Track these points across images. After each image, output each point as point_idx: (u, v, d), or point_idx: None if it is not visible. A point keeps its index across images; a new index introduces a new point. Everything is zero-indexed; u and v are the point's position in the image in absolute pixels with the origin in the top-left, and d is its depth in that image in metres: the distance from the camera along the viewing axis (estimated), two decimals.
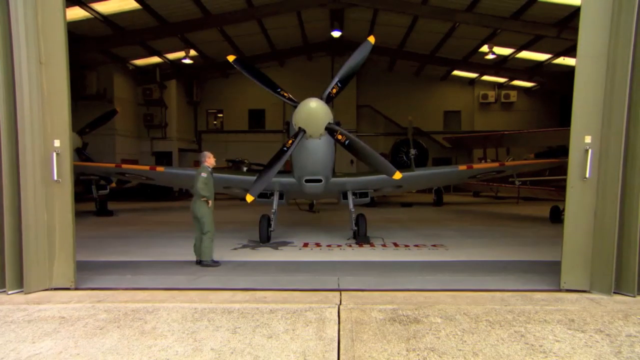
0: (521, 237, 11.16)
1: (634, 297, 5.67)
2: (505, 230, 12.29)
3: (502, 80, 29.36)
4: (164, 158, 27.10)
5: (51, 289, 6.11)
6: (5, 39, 5.86)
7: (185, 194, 23.08)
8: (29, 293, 5.92)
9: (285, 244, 10.10)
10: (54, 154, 6.07)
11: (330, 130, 8.03)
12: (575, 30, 6.62)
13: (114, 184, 17.50)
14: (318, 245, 9.95)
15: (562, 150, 14.59)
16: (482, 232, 12.06)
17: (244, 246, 9.85)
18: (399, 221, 14.59)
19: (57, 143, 6.11)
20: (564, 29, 18.55)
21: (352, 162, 25.87)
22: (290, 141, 8.09)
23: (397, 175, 8.07)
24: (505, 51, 23.33)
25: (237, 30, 21.91)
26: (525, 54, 23.41)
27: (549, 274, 6.64)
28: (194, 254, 7.91)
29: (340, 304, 5.40)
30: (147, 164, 18.94)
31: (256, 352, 4.02)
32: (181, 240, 10.12)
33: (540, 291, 6.04)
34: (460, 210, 19.22)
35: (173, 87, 27.22)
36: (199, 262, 7.79)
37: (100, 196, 16.52)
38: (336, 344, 4.17)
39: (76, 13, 16.88)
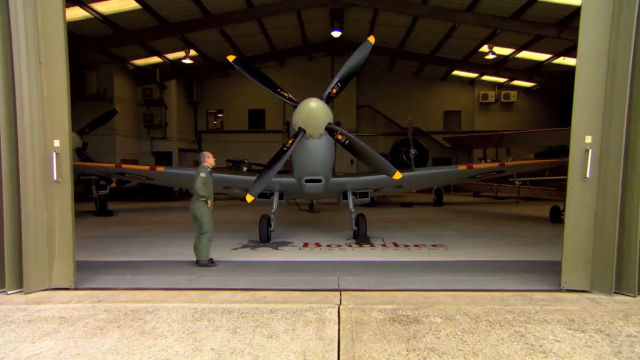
0: (521, 237, 11.16)
1: (635, 297, 5.67)
2: (505, 230, 12.29)
3: (502, 80, 29.36)
4: (164, 158, 27.10)
5: (51, 289, 6.10)
6: (5, 39, 5.85)
7: (185, 194, 23.06)
8: (29, 293, 5.92)
9: (285, 244, 10.10)
10: (54, 154, 6.06)
11: (330, 130, 8.03)
12: (575, 30, 6.62)
13: (114, 184, 17.50)
14: (318, 245, 9.94)
15: (562, 150, 14.61)
16: (482, 232, 12.06)
17: (244, 246, 9.84)
18: (399, 221, 14.59)
19: (56, 143, 6.10)
20: (564, 29, 18.56)
21: (352, 162, 25.87)
22: (290, 141, 8.08)
23: (397, 175, 8.07)
24: (505, 51, 23.34)
25: (237, 30, 21.91)
26: (525, 54, 23.42)
27: (549, 274, 6.64)
28: (193, 254, 7.90)
29: (340, 304, 5.40)
30: (147, 164, 18.93)
31: (256, 352, 4.02)
32: (181, 240, 10.11)
33: (540, 291, 6.03)
34: (460, 210, 19.22)
35: (173, 87, 27.23)
36: (198, 262, 7.80)
37: (100, 196, 16.52)
38: (336, 344, 4.17)
39: (76, 13, 16.89)
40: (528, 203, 20.56)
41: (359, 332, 4.45)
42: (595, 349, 4.09)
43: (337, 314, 5.02)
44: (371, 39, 8.31)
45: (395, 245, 9.88)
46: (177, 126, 27.82)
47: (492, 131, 23.64)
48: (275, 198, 10.60)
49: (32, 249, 5.94)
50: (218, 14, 19.54)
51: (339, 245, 9.83)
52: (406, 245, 9.79)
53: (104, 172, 14.71)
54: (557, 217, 13.52)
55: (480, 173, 13.07)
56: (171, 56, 24.41)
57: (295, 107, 8.13)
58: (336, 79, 8.22)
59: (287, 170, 10.44)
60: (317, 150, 8.55)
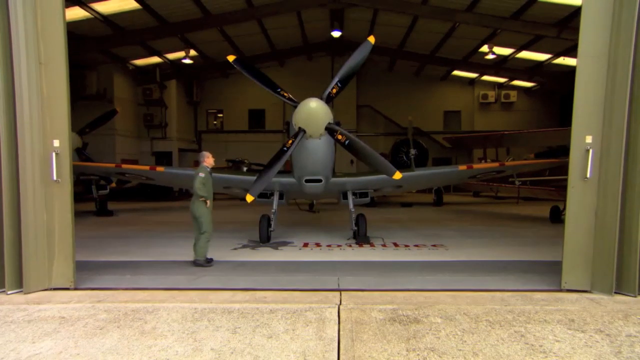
0: (521, 237, 11.16)
1: (635, 297, 5.67)
2: (505, 230, 12.28)
3: (502, 80, 29.35)
4: (164, 158, 27.09)
5: (50, 289, 6.10)
6: (5, 39, 5.85)
7: (185, 194, 23.07)
8: (29, 293, 5.92)
9: (285, 244, 10.10)
10: (54, 154, 6.06)
11: (330, 130, 8.02)
12: (575, 30, 6.63)
13: (114, 184, 17.49)
14: (318, 245, 9.94)
15: (562, 150, 14.60)
16: (482, 232, 12.06)
17: (244, 246, 9.84)
18: (399, 221, 14.59)
19: (56, 143, 6.11)
20: (564, 29, 18.55)
21: (352, 162, 25.86)
22: (290, 141, 8.08)
23: (397, 175, 8.07)
24: (505, 51, 23.32)
25: (237, 30, 21.90)
26: (525, 54, 23.40)
27: (549, 274, 6.64)
28: (194, 254, 7.90)
29: (340, 304, 5.40)
30: (147, 164, 18.91)
31: (256, 352, 4.02)
32: (181, 240, 10.11)
33: (540, 291, 6.04)
34: (460, 210, 19.22)
35: (173, 87, 27.22)
36: (194, 262, 7.79)
37: (100, 196, 16.52)
38: (336, 344, 4.17)
39: (76, 13, 16.88)
40: (528, 203, 20.55)
41: (359, 332, 4.45)
42: (595, 349, 4.09)
43: (337, 314, 5.02)
44: (371, 39, 8.31)
45: (395, 245, 9.87)
46: (177, 126, 27.81)
47: (492, 131, 23.63)
48: (275, 198, 10.60)
49: (31, 248, 5.94)
50: (218, 14, 19.52)
51: (339, 245, 9.83)
52: (406, 245, 9.79)
53: (104, 172, 14.71)
54: (557, 217, 13.52)
55: (480, 173, 13.07)
56: (171, 56, 24.39)
57: (295, 107, 8.13)
58: (336, 79, 8.21)
59: (287, 170, 10.44)
60: (317, 150, 8.55)
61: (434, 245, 9.74)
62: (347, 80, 8.28)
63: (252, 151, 26.88)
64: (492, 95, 30.16)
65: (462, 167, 12.20)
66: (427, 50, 25.25)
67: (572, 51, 20.52)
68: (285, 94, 8.25)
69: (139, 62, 24.67)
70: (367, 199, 11.42)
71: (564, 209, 6.09)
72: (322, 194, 10.53)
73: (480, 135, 22.91)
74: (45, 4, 5.98)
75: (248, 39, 23.38)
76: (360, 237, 10.12)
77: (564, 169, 10.68)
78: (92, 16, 17.46)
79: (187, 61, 23.97)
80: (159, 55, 23.89)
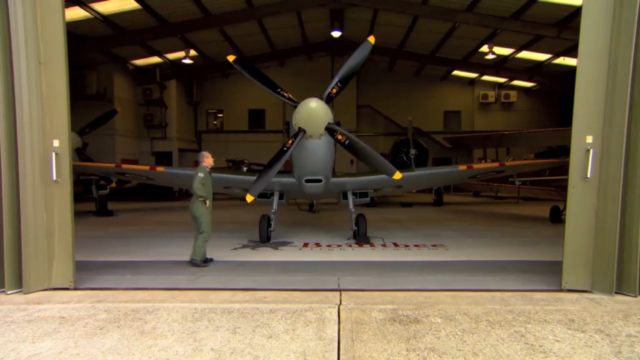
0: (521, 237, 11.15)
1: (635, 297, 5.67)
2: (505, 230, 12.28)
3: (502, 80, 29.34)
4: (164, 158, 27.09)
5: (50, 289, 6.10)
6: (5, 39, 5.85)
7: (185, 194, 23.06)
8: (28, 293, 5.92)
9: (285, 244, 10.10)
10: (53, 154, 6.06)
11: (330, 130, 8.02)
12: (575, 30, 6.62)
13: (114, 184, 17.49)
14: (318, 245, 9.94)
15: (562, 150, 14.60)
16: (482, 232, 12.05)
17: (244, 246, 9.84)
18: (399, 221, 14.58)
19: (56, 143, 6.10)
20: (564, 29, 18.54)
21: (352, 162, 25.86)
22: (290, 141, 8.07)
23: (397, 175, 8.06)
24: (505, 51, 23.32)
25: (237, 30, 21.90)
26: (525, 54, 23.39)
27: (549, 274, 6.64)
28: None
29: (340, 304, 5.39)
30: (147, 164, 18.91)
31: (256, 352, 4.01)
32: (181, 240, 10.11)
33: (540, 291, 6.03)
34: (460, 210, 19.21)
35: (173, 87, 27.22)
36: (191, 261, 7.78)
37: (100, 196, 16.51)
38: (336, 344, 4.16)
39: (76, 13, 16.87)
40: (528, 203, 20.55)
41: (359, 332, 4.45)
42: (595, 349, 4.09)
43: (337, 314, 5.02)
44: (371, 39, 8.30)
45: (395, 245, 9.87)
46: (177, 126, 27.81)
47: (492, 131, 23.62)
48: (275, 198, 10.60)
49: (31, 248, 5.93)
50: (218, 14, 19.52)
51: (339, 245, 9.82)
52: (406, 245, 9.79)
53: (104, 172, 14.71)
54: (557, 217, 13.51)
55: (480, 173, 13.07)
56: (171, 56, 24.39)
57: (295, 107, 8.12)
58: (336, 79, 8.21)
59: (287, 170, 10.44)
60: (317, 150, 8.54)
61: (434, 245, 9.74)
62: (347, 80, 8.28)
63: (252, 151, 26.88)
64: (492, 95, 30.15)
65: (462, 167, 12.20)
66: (427, 50, 25.25)
67: (572, 51, 20.51)
68: (285, 94, 8.25)
69: (139, 62, 24.66)
70: (367, 199, 11.42)
71: (564, 209, 6.09)
72: (322, 194, 10.53)
73: (480, 135, 22.91)
74: (45, 4, 5.98)
75: (248, 39, 23.38)
76: (360, 237, 10.11)
77: (564, 169, 10.69)
78: (92, 16, 17.45)
79: (187, 61, 23.97)
80: (159, 55, 23.89)
